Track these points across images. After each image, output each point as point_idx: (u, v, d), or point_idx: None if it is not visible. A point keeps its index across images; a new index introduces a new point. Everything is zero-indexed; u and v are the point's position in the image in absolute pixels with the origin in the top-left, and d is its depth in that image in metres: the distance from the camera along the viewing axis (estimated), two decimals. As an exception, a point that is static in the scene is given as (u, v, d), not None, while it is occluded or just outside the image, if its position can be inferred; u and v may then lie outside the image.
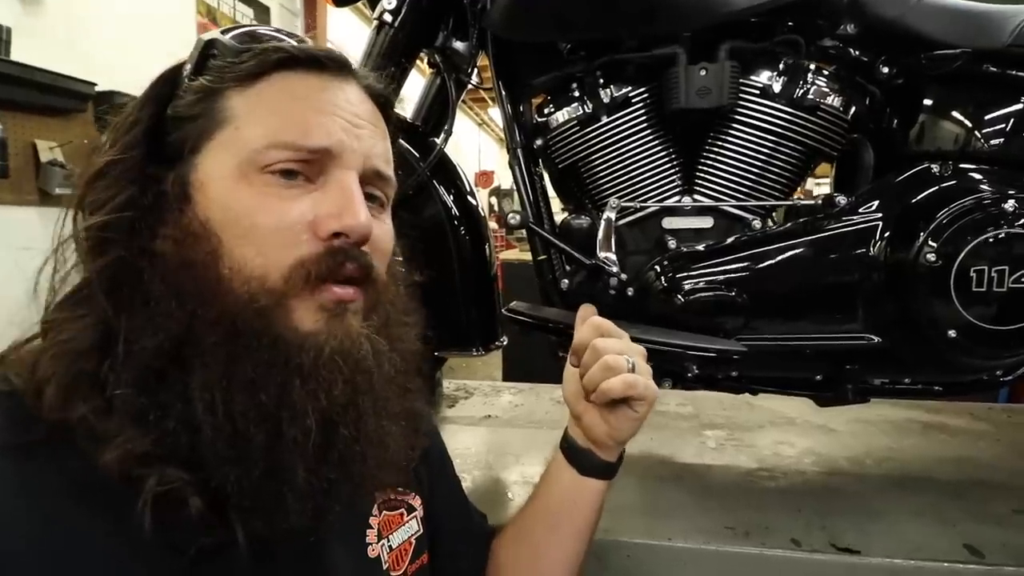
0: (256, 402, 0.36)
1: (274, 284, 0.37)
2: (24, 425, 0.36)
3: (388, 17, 0.93)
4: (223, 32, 0.43)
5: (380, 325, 0.43)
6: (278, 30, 0.45)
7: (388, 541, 0.51)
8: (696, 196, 0.88)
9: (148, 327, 0.36)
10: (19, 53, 2.03)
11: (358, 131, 0.41)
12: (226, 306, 0.36)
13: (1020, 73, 0.81)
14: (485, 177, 7.97)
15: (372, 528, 0.50)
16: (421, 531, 0.54)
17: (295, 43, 0.42)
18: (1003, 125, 0.81)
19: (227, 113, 0.39)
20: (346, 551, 0.47)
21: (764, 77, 0.85)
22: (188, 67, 0.42)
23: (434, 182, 1.00)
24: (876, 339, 0.79)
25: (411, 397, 0.46)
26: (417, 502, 0.55)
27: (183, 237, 0.38)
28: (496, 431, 1.16)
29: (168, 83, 0.42)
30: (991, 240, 0.72)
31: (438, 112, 1.05)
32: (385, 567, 0.49)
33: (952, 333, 0.74)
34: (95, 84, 2.19)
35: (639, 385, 0.52)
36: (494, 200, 7.13)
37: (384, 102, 0.46)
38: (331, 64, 0.42)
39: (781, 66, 0.85)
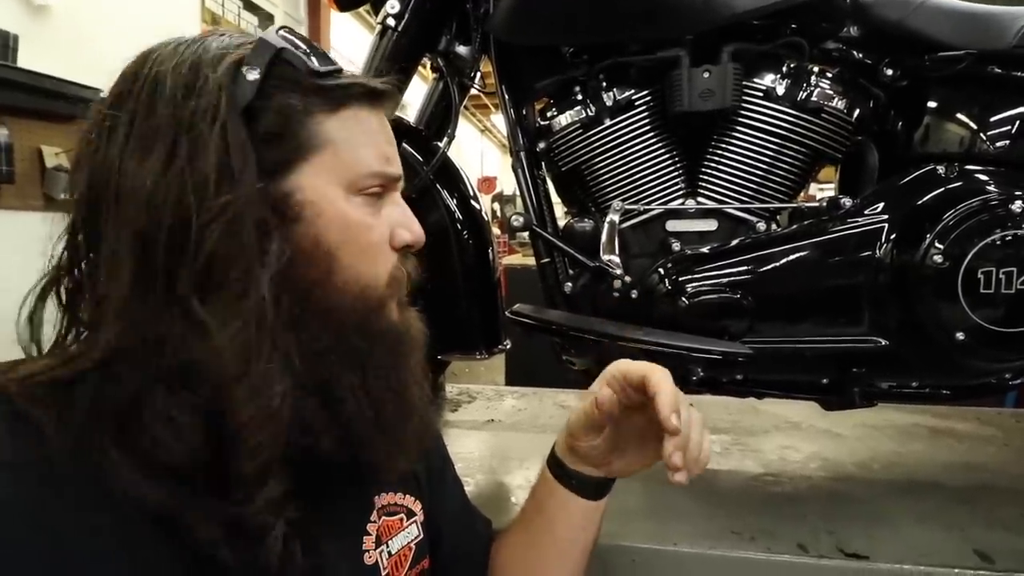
0: (389, 382, 0.43)
1: (383, 289, 0.44)
2: (31, 444, 0.35)
3: (391, 22, 0.93)
4: (276, 33, 0.42)
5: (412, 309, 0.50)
6: (312, 44, 0.45)
7: (387, 547, 0.50)
8: (700, 199, 0.88)
9: (299, 342, 0.39)
10: (26, 60, 2.05)
11: (396, 156, 0.46)
12: (355, 314, 0.42)
13: (1025, 74, 0.81)
14: (488, 183, 8.00)
15: (370, 535, 0.49)
16: (422, 536, 0.54)
17: (365, 75, 0.48)
18: (1009, 126, 0.81)
19: (323, 137, 0.41)
20: (344, 558, 0.47)
21: (767, 79, 0.85)
22: (254, 73, 0.39)
23: (437, 186, 1.00)
24: (882, 342, 0.79)
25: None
26: (417, 507, 0.55)
27: (298, 257, 0.40)
28: (499, 435, 1.15)
29: (234, 83, 0.39)
30: (998, 241, 0.72)
31: (441, 116, 1.05)
32: (384, 573, 0.49)
33: (960, 335, 0.73)
34: (100, 91, 2.20)
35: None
36: (497, 206, 7.15)
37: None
38: (387, 100, 0.46)
39: (784, 69, 0.85)
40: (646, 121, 0.88)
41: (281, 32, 0.43)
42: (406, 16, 0.93)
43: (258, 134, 0.39)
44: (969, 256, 0.72)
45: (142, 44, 0.42)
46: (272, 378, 0.37)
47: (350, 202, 0.42)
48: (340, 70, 0.43)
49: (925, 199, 0.78)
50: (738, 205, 0.86)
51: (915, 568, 0.69)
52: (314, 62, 0.42)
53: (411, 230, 0.46)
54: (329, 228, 0.41)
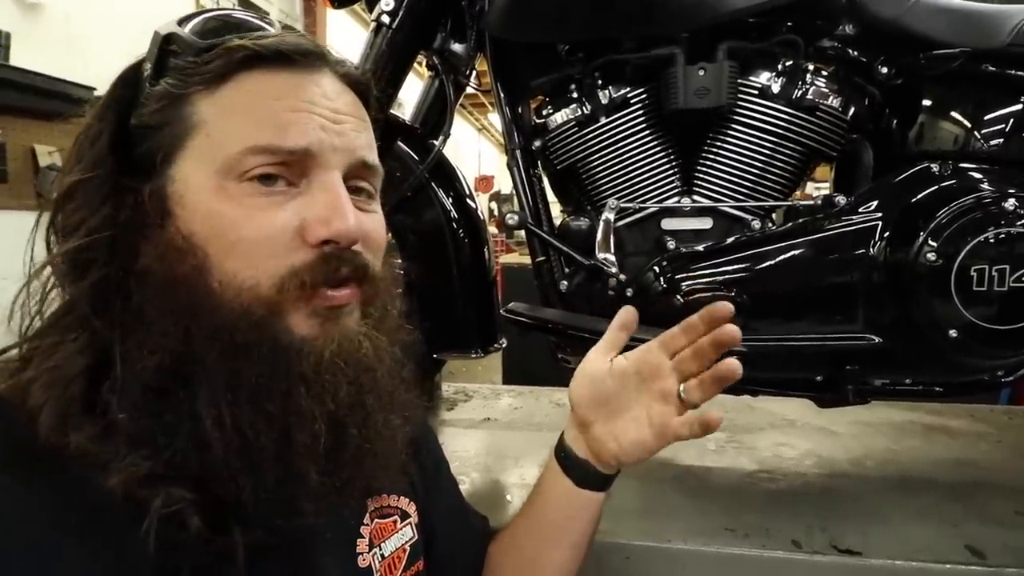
0: (263, 412, 0.36)
1: (267, 294, 0.37)
2: (11, 443, 0.35)
3: (386, 19, 0.92)
4: (182, 22, 0.40)
5: (378, 319, 0.43)
6: (245, 12, 0.43)
7: (380, 550, 0.50)
8: (695, 197, 0.88)
9: (145, 347, 0.36)
10: (18, 58, 2.04)
11: (338, 127, 0.40)
12: (221, 320, 0.36)
13: (1019, 72, 0.81)
14: (485, 182, 7.99)
15: (363, 538, 0.49)
16: (416, 537, 0.53)
17: (262, 34, 0.40)
18: (1002, 125, 0.81)
19: (196, 119, 0.38)
20: (336, 563, 0.46)
21: (763, 77, 0.85)
22: (148, 67, 0.40)
23: (433, 184, 1.00)
24: (876, 339, 0.79)
25: (407, 387, 0.46)
26: (412, 508, 0.54)
27: (167, 253, 0.37)
28: (495, 434, 1.15)
29: (128, 86, 0.40)
30: (991, 239, 0.72)
31: (436, 114, 1.05)
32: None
33: (953, 332, 0.74)
34: (94, 89, 2.20)
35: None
36: (494, 205, 7.13)
37: (363, 88, 0.44)
38: (301, 58, 0.40)
39: (780, 66, 0.85)
40: (641, 119, 0.88)
41: (191, 15, 0.40)
42: (400, 13, 0.92)
43: (142, 129, 0.39)
44: (962, 254, 0.72)
45: (135, 41, 0.41)
46: (69, 361, 0.36)
47: (227, 191, 0.37)
48: (223, 41, 0.38)
49: (919, 197, 0.78)
50: (733, 203, 0.86)
51: (907, 564, 0.70)
52: (196, 39, 0.39)
53: (328, 223, 0.37)
54: (193, 221, 0.37)
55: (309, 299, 0.38)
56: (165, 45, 0.39)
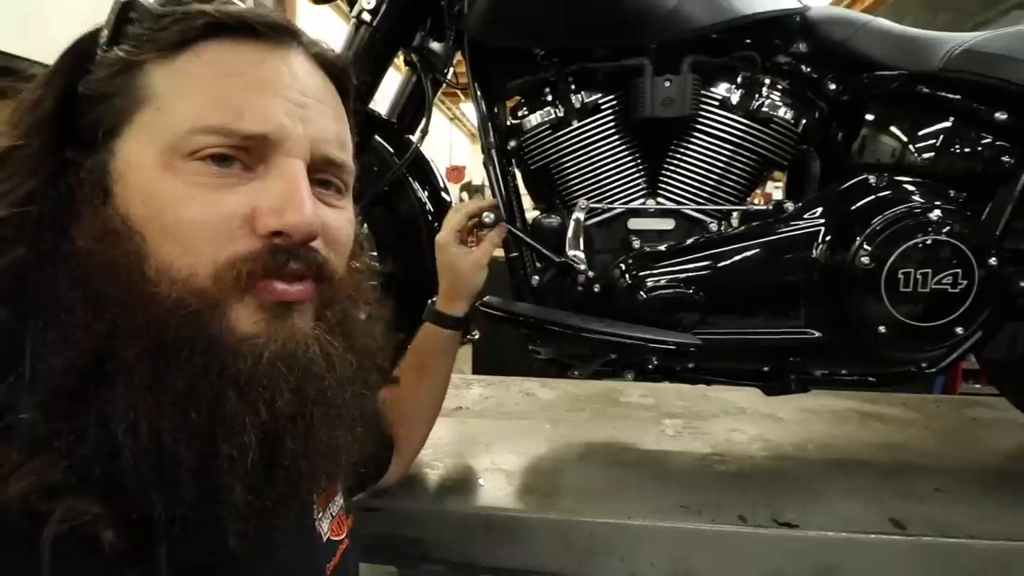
0: (185, 419, 0.32)
1: (203, 285, 0.33)
2: None
3: (366, 16, 0.94)
4: None
5: (336, 323, 0.39)
6: None
7: (330, 511, 0.49)
8: (660, 199, 0.94)
9: (62, 340, 0.32)
10: (-29, 31, 1.95)
11: (304, 111, 0.36)
12: (151, 312, 0.32)
13: (949, 95, 0.89)
14: (456, 172, 7.94)
15: (320, 512, 0.48)
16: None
17: (227, 1, 0.36)
18: (934, 141, 0.89)
19: (147, 91, 0.34)
20: (297, 542, 0.45)
21: (723, 89, 0.92)
22: (104, 34, 0.36)
23: (409, 178, 1.03)
24: (816, 334, 0.87)
25: (368, 400, 0.42)
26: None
27: (101, 235, 0.33)
28: (467, 422, 1.20)
29: (81, 54, 0.36)
30: (918, 245, 0.80)
31: (414, 109, 1.07)
32: (326, 538, 0.48)
33: (882, 329, 0.82)
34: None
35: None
36: (465, 195, 7.12)
37: (338, 73, 0.41)
38: (268, 31, 0.36)
39: (739, 80, 0.92)
40: (611, 125, 0.93)
41: None
42: (381, 11, 0.94)
43: (89, 97, 0.35)
44: (892, 258, 0.80)
45: (98, 16, 0.38)
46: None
47: (173, 169, 0.33)
48: (180, 7, 0.35)
49: (857, 205, 0.86)
50: (694, 206, 0.92)
51: (838, 535, 0.78)
52: (156, 6, 0.36)
53: (280, 214, 0.34)
54: (132, 201, 0.33)
55: (248, 291, 0.34)
56: (123, 13, 0.36)
